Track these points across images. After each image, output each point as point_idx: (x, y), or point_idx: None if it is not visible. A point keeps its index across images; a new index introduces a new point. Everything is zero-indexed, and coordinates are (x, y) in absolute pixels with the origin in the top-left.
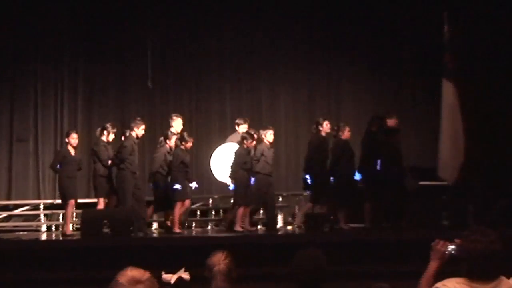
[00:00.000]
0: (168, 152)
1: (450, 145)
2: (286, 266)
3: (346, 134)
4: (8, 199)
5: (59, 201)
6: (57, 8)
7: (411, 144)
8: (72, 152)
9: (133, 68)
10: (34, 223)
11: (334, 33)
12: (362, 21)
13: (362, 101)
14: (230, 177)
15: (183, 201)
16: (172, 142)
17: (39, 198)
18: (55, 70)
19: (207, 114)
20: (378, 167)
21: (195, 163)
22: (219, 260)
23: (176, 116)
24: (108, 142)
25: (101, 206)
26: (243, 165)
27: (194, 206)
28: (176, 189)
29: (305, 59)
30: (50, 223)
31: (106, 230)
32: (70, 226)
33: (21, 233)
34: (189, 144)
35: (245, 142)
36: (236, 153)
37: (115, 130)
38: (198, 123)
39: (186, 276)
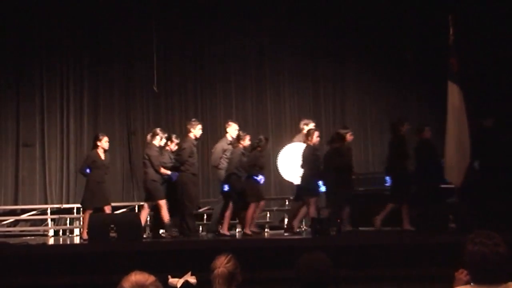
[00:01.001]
0: (243, 153)
1: (456, 148)
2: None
3: (427, 134)
4: (15, 204)
5: (66, 205)
6: (62, 13)
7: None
8: (102, 156)
9: (139, 72)
10: (41, 228)
11: (339, 37)
12: (367, 25)
13: (367, 105)
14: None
15: (258, 202)
16: (246, 142)
17: (46, 203)
18: (61, 75)
19: (213, 118)
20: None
21: (200, 166)
22: (220, 263)
23: (232, 121)
24: (160, 147)
25: (164, 209)
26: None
27: (201, 210)
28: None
29: (310, 63)
30: (57, 227)
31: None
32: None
33: (28, 237)
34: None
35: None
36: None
37: (166, 135)
38: (204, 127)
39: (192, 280)
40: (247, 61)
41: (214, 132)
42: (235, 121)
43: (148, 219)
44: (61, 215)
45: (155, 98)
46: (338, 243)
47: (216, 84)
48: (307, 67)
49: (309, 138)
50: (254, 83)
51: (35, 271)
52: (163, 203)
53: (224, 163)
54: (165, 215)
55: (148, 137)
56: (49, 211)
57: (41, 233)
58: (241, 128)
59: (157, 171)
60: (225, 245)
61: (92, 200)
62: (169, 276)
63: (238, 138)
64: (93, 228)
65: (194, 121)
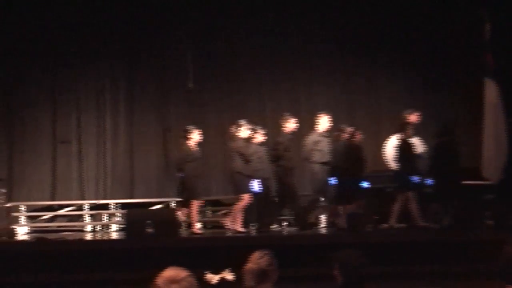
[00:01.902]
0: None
1: (493, 145)
2: (328, 266)
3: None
4: (53, 199)
5: (103, 201)
6: (97, 10)
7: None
8: (195, 149)
9: (173, 69)
10: (78, 224)
11: (372, 31)
12: (401, 19)
13: (401, 99)
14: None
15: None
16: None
17: (83, 199)
18: (97, 71)
19: (246, 114)
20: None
21: None
22: (253, 259)
23: (323, 113)
24: (245, 138)
25: (245, 202)
26: None
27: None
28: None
29: (343, 57)
30: (94, 223)
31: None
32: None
33: (65, 233)
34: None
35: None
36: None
37: (250, 126)
38: (238, 122)
39: (230, 276)
40: (279, 54)
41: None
42: (326, 113)
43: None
44: (98, 211)
45: (190, 94)
46: (374, 239)
47: (249, 78)
48: (340, 63)
49: (404, 131)
50: (286, 77)
51: (72, 267)
52: (245, 197)
53: (316, 156)
54: (237, 209)
55: (232, 129)
56: (86, 206)
57: (78, 228)
58: (274, 124)
59: (247, 162)
60: (260, 241)
61: (195, 192)
62: (207, 272)
63: (342, 132)
64: (130, 224)
65: (286, 114)
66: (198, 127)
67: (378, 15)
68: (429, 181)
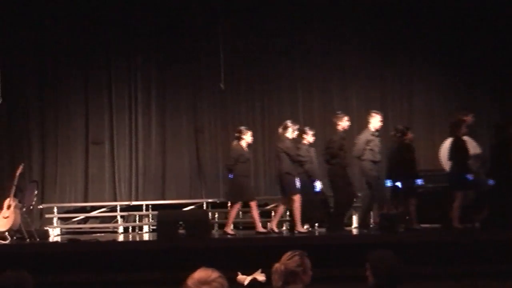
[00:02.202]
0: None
1: None
2: (360, 267)
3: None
4: (85, 201)
5: (135, 202)
6: (129, 10)
7: (485, 142)
8: (246, 149)
9: (205, 69)
10: (111, 225)
11: (405, 32)
12: (433, 20)
13: (434, 100)
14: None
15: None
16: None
17: (115, 200)
18: (129, 72)
19: (279, 115)
20: None
21: (267, 163)
22: (283, 260)
23: (376, 113)
24: (293, 139)
25: (298, 202)
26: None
27: (269, 207)
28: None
29: (376, 59)
30: (126, 224)
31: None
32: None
33: (98, 234)
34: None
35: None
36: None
37: (296, 126)
38: (270, 124)
39: (261, 277)
40: (312, 57)
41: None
42: (379, 112)
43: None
44: (130, 212)
45: (222, 95)
46: (406, 240)
47: (282, 80)
48: (374, 63)
49: (457, 129)
50: (319, 79)
51: (105, 268)
52: (297, 198)
53: (368, 155)
54: (297, 210)
55: (280, 130)
56: (118, 208)
57: (111, 230)
58: (306, 125)
59: (295, 162)
60: (292, 241)
61: (241, 194)
62: (239, 273)
63: (403, 133)
64: (161, 225)
65: (340, 113)
66: (248, 128)
67: (412, 18)
68: (490, 182)
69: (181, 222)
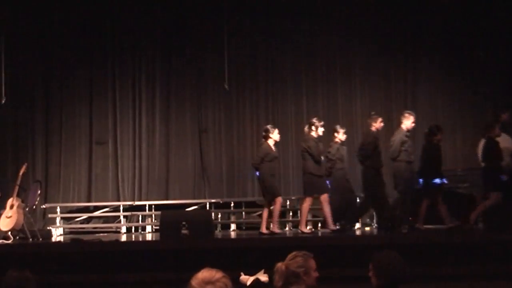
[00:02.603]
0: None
1: None
2: (362, 267)
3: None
4: (89, 201)
5: (138, 202)
6: (134, 11)
7: None
8: (274, 148)
9: (210, 70)
10: (114, 225)
11: (410, 34)
12: (438, 22)
13: (439, 101)
14: None
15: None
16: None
17: (118, 200)
18: (133, 72)
19: (284, 115)
20: None
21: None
22: (286, 260)
23: (409, 113)
24: (318, 137)
25: (325, 204)
26: None
27: (272, 207)
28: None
29: (381, 59)
30: (129, 224)
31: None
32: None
33: (101, 234)
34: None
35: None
36: None
37: (322, 123)
38: (274, 123)
39: (264, 278)
40: (317, 56)
41: (285, 128)
42: (412, 113)
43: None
44: (133, 212)
45: (226, 95)
46: (410, 241)
47: (287, 80)
48: (378, 62)
49: (490, 130)
50: (324, 79)
51: (108, 268)
52: (323, 198)
53: (403, 156)
54: (326, 210)
55: (306, 128)
56: (121, 208)
57: (114, 230)
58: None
59: (318, 162)
60: (296, 242)
61: (276, 191)
62: (242, 273)
63: (434, 133)
64: (164, 225)
65: (374, 114)
66: (274, 127)
67: (417, 17)
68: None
69: (184, 223)
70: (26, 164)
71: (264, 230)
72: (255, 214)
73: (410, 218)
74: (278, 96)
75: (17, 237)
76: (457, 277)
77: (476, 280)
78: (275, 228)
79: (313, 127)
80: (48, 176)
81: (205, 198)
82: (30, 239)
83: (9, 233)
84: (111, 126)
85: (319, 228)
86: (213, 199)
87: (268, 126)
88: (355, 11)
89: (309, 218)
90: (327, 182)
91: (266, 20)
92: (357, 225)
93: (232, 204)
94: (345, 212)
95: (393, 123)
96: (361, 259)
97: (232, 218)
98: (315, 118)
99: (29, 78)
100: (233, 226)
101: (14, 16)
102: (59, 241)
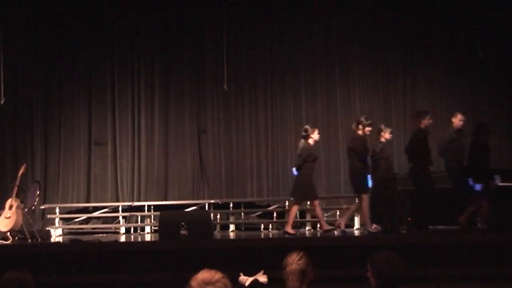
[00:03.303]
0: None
1: None
2: (361, 268)
3: None
4: (88, 201)
5: (137, 203)
6: (133, 12)
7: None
8: (314, 148)
9: (209, 71)
10: (112, 225)
11: (408, 32)
12: (438, 22)
13: (438, 101)
14: None
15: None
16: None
17: (117, 201)
18: (132, 73)
19: (283, 116)
20: None
21: (270, 164)
22: (292, 261)
23: (459, 113)
24: (364, 135)
25: (365, 202)
26: None
27: (271, 208)
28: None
29: (379, 58)
30: (128, 225)
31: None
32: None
33: (100, 235)
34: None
35: None
36: None
37: (370, 122)
38: (273, 125)
39: (263, 279)
40: (316, 57)
41: (284, 129)
42: (461, 112)
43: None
44: (132, 213)
45: (225, 96)
46: (409, 241)
47: (286, 81)
48: (377, 63)
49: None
50: (323, 79)
51: (107, 268)
52: (365, 197)
53: (451, 154)
54: (365, 210)
55: (353, 127)
56: (120, 208)
57: (113, 230)
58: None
59: (362, 161)
60: (294, 243)
61: (306, 194)
62: (241, 274)
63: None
64: (163, 226)
65: (422, 112)
66: (313, 126)
67: (416, 16)
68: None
69: (183, 223)
70: (25, 164)
71: (289, 229)
72: (254, 215)
73: (409, 219)
74: (277, 97)
75: (16, 238)
76: (456, 277)
77: (475, 281)
78: (324, 226)
79: (360, 126)
80: (47, 176)
81: (204, 198)
82: (29, 240)
83: (8, 233)
84: (110, 126)
85: (318, 229)
86: (212, 199)
87: (308, 126)
88: (354, 12)
89: (308, 218)
90: (370, 181)
91: (265, 20)
92: (357, 225)
93: (231, 205)
94: (389, 212)
95: (391, 123)
96: (360, 259)
97: (231, 218)
98: (363, 117)
99: (28, 79)
100: (232, 227)
101: (13, 17)
102: (58, 242)
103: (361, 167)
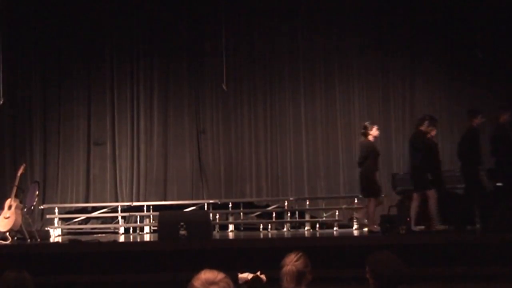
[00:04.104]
0: None
1: None
2: (361, 268)
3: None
4: (87, 201)
5: (136, 203)
6: (132, 12)
7: (487, 143)
8: (376, 145)
9: (208, 71)
10: (112, 226)
11: (407, 33)
12: (436, 21)
13: (437, 101)
14: None
15: None
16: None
17: (116, 201)
18: (131, 73)
19: (281, 116)
20: None
21: (269, 164)
22: (290, 261)
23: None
24: (426, 131)
25: (433, 198)
26: None
27: (270, 208)
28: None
29: (378, 59)
30: (127, 225)
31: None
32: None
33: (99, 235)
34: None
35: None
36: None
37: (435, 119)
38: (272, 125)
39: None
40: (315, 57)
41: (283, 129)
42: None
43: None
44: (131, 213)
45: (224, 96)
46: (407, 241)
47: (285, 81)
48: (376, 63)
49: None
50: (322, 79)
51: (106, 269)
52: (431, 194)
53: (499, 152)
54: (432, 207)
55: (418, 124)
56: (119, 209)
57: (112, 230)
58: (309, 125)
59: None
60: (293, 243)
61: (377, 189)
62: (238, 274)
63: None
64: (163, 226)
65: (472, 112)
66: (372, 123)
67: (415, 17)
68: None
69: (182, 223)
70: (24, 165)
71: (372, 227)
72: (253, 215)
73: (407, 219)
74: (276, 97)
75: (15, 238)
76: (455, 277)
77: (474, 281)
78: (372, 227)
79: (425, 123)
80: (46, 176)
81: (203, 198)
82: (28, 240)
83: (7, 233)
84: (109, 127)
85: (317, 229)
86: (211, 199)
87: (366, 123)
88: (353, 12)
89: (307, 218)
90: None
91: (264, 21)
92: (355, 226)
93: (230, 205)
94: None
95: (390, 124)
96: (359, 259)
97: (230, 218)
98: (427, 115)
99: (27, 79)
100: (231, 227)
101: (11, 17)
102: (57, 242)
103: (422, 164)
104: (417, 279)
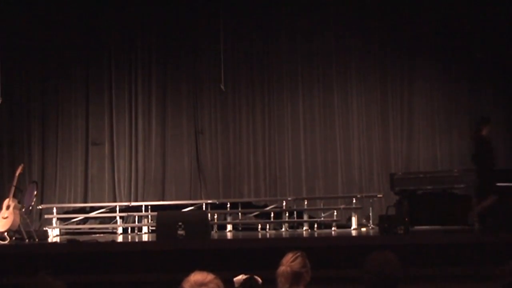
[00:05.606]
0: None
1: None
2: (360, 268)
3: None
4: (85, 201)
5: (134, 203)
6: (130, 11)
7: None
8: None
9: (206, 71)
10: (110, 226)
11: (406, 32)
12: (435, 20)
13: (436, 101)
14: None
15: None
16: None
17: (114, 201)
18: (129, 73)
19: (280, 116)
20: None
21: (267, 164)
22: (286, 262)
23: None
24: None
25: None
26: None
27: (268, 208)
28: None
29: (377, 58)
30: (126, 225)
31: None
32: None
33: (97, 235)
34: None
35: None
36: None
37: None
38: (270, 125)
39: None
40: (313, 57)
41: (281, 129)
42: None
43: None
44: (129, 213)
45: (223, 96)
46: (406, 242)
47: (283, 80)
48: (375, 63)
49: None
50: (321, 79)
51: (104, 269)
52: (493, 197)
53: None
54: (484, 206)
55: (478, 129)
56: (117, 209)
57: (110, 230)
58: (307, 125)
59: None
60: (291, 243)
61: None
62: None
63: None
64: (161, 226)
65: (486, 119)
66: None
67: (413, 17)
68: None
69: (180, 223)
70: (22, 165)
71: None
72: (251, 215)
73: (406, 219)
74: (274, 97)
75: (14, 238)
76: (454, 277)
77: (473, 281)
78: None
79: (486, 128)
80: (44, 177)
81: (201, 199)
82: (27, 240)
83: (6, 233)
84: (107, 127)
85: (315, 229)
86: (209, 199)
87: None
88: (351, 11)
89: (305, 218)
90: None
91: (262, 20)
92: (354, 225)
93: (228, 205)
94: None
95: (389, 123)
96: (358, 260)
97: (229, 218)
98: (485, 116)
99: (25, 79)
100: (229, 227)
101: (10, 17)
102: (56, 242)
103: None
104: (416, 279)
